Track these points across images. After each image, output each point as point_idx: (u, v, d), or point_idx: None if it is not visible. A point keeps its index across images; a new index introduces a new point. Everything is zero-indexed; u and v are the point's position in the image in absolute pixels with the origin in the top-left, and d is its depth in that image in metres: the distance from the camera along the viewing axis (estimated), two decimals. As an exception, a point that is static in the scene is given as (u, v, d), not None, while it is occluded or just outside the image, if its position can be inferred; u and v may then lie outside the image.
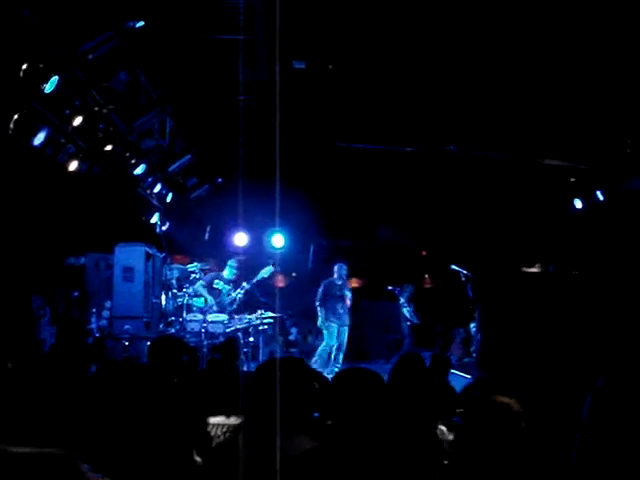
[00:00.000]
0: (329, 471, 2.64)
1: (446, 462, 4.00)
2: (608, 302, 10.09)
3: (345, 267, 13.11)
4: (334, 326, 12.84)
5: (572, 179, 13.95)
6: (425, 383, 4.27)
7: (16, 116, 8.77)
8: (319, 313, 12.89)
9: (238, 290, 12.57)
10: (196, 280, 12.92)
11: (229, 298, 12.52)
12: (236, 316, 12.38)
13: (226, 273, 12.88)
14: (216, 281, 12.66)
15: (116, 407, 3.71)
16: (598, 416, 2.34)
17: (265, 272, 12.63)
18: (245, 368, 10.73)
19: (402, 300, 15.52)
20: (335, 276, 13.13)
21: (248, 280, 12.65)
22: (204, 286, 12.64)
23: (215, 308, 12.40)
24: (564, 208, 14.75)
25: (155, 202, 14.55)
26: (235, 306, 12.56)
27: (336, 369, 12.06)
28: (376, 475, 2.67)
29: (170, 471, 3.41)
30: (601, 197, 13.78)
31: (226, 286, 12.64)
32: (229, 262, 13.09)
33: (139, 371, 5.09)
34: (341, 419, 2.76)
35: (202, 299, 12.74)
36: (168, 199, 14.77)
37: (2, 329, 9.45)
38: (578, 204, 14.52)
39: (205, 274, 13.34)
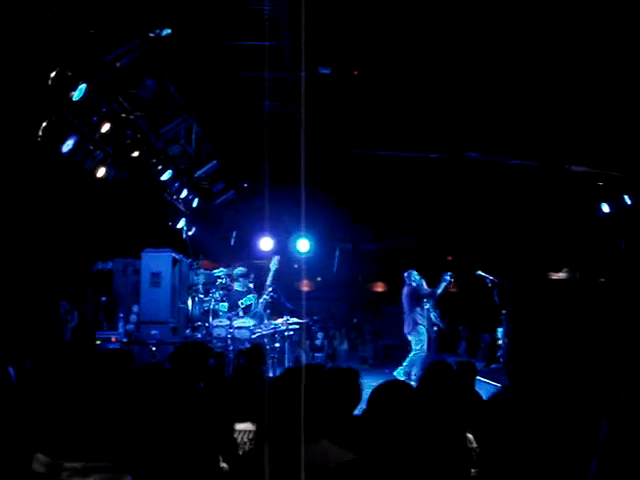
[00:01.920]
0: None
1: (474, 470, 3.99)
2: (635, 309, 9.98)
3: (414, 273, 12.94)
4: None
5: (600, 183, 13.82)
6: (453, 391, 4.25)
7: (45, 123, 8.89)
8: (418, 321, 12.63)
9: (264, 297, 12.52)
10: (224, 286, 12.89)
11: (260, 305, 12.45)
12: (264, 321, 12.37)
13: (237, 285, 12.63)
14: (240, 302, 12.46)
15: (142, 413, 3.73)
16: (618, 432, 2.29)
17: (274, 264, 12.51)
18: (271, 374, 10.75)
19: (428, 305, 15.43)
20: (409, 282, 12.93)
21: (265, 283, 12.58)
22: (238, 316, 12.35)
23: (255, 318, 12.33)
24: (591, 212, 14.63)
25: (181, 207, 14.65)
26: (268, 311, 12.50)
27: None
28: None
29: (197, 478, 3.43)
30: (629, 201, 13.64)
31: (250, 297, 12.58)
32: (235, 272, 12.69)
33: (166, 377, 5.11)
34: (377, 434, 2.77)
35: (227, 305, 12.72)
36: (194, 204, 14.86)
37: (30, 334, 9.55)
38: (605, 208, 14.38)
39: (231, 280, 13.30)
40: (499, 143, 12.90)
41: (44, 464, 2.06)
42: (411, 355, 12.45)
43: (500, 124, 12.12)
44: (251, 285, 12.74)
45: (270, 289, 12.62)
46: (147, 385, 4.53)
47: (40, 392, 2.49)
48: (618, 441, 2.28)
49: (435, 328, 15.28)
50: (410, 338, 12.53)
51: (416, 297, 12.56)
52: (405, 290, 12.81)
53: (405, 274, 12.89)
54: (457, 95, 11.38)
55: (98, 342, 11.29)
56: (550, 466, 3.16)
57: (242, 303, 12.41)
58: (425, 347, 12.45)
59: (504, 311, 12.15)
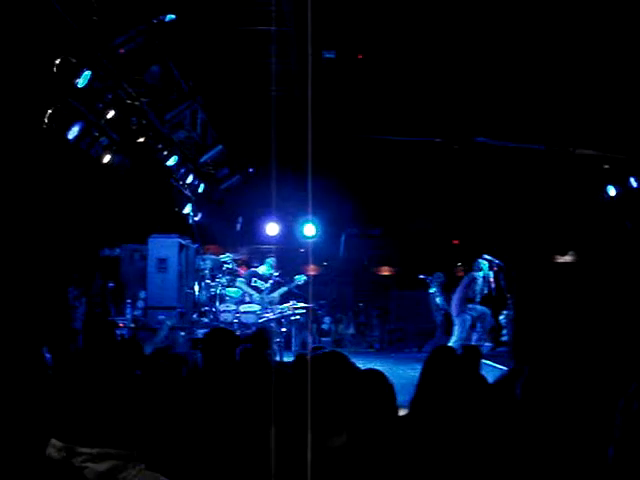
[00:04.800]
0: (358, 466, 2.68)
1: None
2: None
3: (483, 263, 13.00)
4: None
5: (605, 166, 13.78)
6: (458, 375, 4.27)
7: (50, 111, 8.91)
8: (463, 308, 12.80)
9: (278, 291, 12.68)
10: (231, 271, 13.05)
11: (269, 297, 12.59)
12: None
13: (263, 269, 12.92)
14: (254, 279, 12.71)
15: (157, 399, 3.76)
16: (631, 421, 2.30)
17: (298, 280, 12.71)
18: (278, 358, 10.82)
19: (434, 289, 15.47)
20: (477, 268, 13.05)
21: (282, 277, 12.76)
22: (245, 283, 12.72)
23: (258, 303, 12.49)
24: (597, 195, 14.59)
25: (187, 193, 14.67)
26: (273, 306, 12.67)
27: None
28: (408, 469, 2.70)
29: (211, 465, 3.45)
30: (635, 184, 13.61)
31: (265, 284, 12.71)
32: (268, 260, 13.14)
33: (178, 361, 5.15)
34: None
35: (237, 290, 12.86)
36: (200, 190, 14.88)
37: (40, 320, 9.61)
38: (611, 191, 14.35)
39: (238, 265, 13.44)
40: (504, 127, 12.88)
41: (58, 449, 2.09)
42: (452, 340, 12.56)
43: (505, 108, 12.08)
44: (273, 272, 12.96)
45: (277, 275, 12.75)
46: (160, 371, 4.57)
47: (55, 378, 2.52)
48: (631, 432, 2.29)
49: (442, 312, 15.35)
50: (456, 322, 12.74)
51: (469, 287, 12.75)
52: (466, 277, 12.97)
53: (475, 263, 13.01)
54: (463, 79, 11.35)
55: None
56: (558, 453, 3.18)
57: (255, 281, 12.61)
58: (463, 336, 12.56)
59: (510, 294, 12.17)
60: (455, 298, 12.95)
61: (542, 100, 11.52)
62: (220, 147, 13.84)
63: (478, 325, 13.27)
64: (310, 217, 15.33)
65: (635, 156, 13.00)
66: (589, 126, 12.22)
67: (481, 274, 12.84)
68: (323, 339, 16.63)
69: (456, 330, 12.66)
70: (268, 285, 12.74)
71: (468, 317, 12.66)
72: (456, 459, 2.96)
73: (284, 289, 12.69)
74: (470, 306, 12.72)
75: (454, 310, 12.90)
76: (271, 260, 13.08)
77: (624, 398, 2.37)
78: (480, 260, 12.98)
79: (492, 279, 12.88)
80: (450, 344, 12.14)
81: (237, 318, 11.98)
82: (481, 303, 13.05)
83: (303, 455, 2.77)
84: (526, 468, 2.64)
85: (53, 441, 2.12)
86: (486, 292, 12.89)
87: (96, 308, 13.11)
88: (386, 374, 3.57)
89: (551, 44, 9.84)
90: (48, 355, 3.84)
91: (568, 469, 2.63)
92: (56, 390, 2.22)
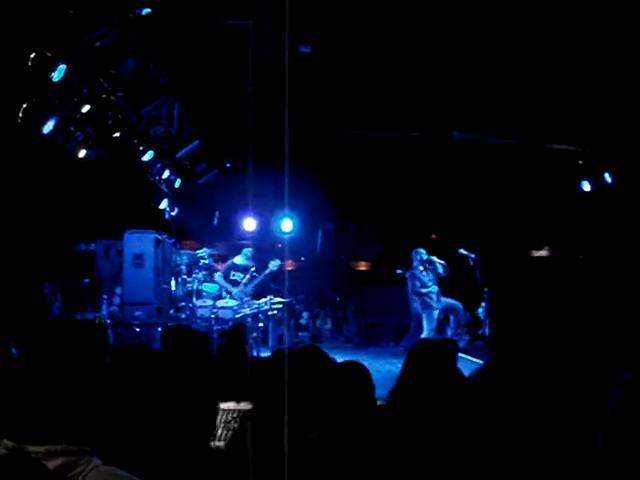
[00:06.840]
0: (334, 459, 2.69)
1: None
2: (615, 285, 10.10)
3: (422, 251, 13.01)
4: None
5: (580, 161, 13.91)
6: (435, 368, 4.29)
7: (25, 105, 8.82)
8: (427, 301, 12.78)
9: (254, 281, 12.64)
10: (208, 267, 13.02)
11: (247, 289, 12.57)
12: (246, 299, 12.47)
13: (239, 259, 12.89)
14: (232, 272, 12.70)
15: (129, 395, 3.73)
16: (626, 412, 2.31)
17: (274, 265, 12.68)
18: (255, 353, 10.82)
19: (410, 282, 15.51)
20: (415, 263, 13.05)
21: (258, 270, 12.71)
22: (223, 277, 12.70)
23: (237, 298, 12.46)
24: (572, 190, 14.73)
25: (164, 188, 14.60)
26: (248, 298, 12.65)
27: None
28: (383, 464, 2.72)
29: (182, 458, 3.44)
30: (609, 179, 13.74)
31: (242, 275, 12.69)
32: (244, 250, 13.10)
33: (152, 357, 5.15)
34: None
35: (214, 285, 12.84)
36: (176, 185, 14.82)
37: (15, 315, 9.53)
38: (586, 186, 14.48)
39: (215, 260, 13.42)
40: (480, 122, 12.94)
41: (9, 449, 2.06)
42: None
43: (481, 103, 12.14)
44: (249, 263, 12.92)
45: (253, 269, 12.72)
46: (125, 366, 4.55)
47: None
48: (625, 420, 2.31)
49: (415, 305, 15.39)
50: (422, 317, 12.73)
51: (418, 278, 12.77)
52: (410, 270, 12.96)
53: (413, 252, 13.01)
54: (440, 74, 11.38)
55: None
56: (537, 446, 3.21)
57: (233, 274, 12.59)
58: (432, 327, 12.57)
59: (486, 289, 12.25)
60: (416, 294, 12.99)
61: (518, 95, 11.58)
62: (197, 142, 13.77)
63: (451, 319, 13.33)
64: (287, 212, 15.31)
65: (610, 152, 13.13)
66: (564, 121, 12.31)
67: (421, 267, 12.87)
68: (301, 334, 16.66)
69: (424, 323, 12.69)
70: (245, 280, 12.71)
71: (429, 309, 12.69)
72: (432, 451, 2.98)
73: (260, 278, 12.67)
74: (432, 296, 12.74)
75: (416, 305, 12.95)
76: (247, 251, 13.03)
77: (616, 387, 2.39)
78: (419, 250, 13.00)
79: (436, 259, 12.90)
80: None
81: (214, 313, 11.96)
82: (456, 297, 13.10)
83: (280, 449, 2.77)
84: (504, 461, 2.66)
85: (5, 441, 2.09)
86: (442, 274, 12.86)
87: (71, 304, 13.04)
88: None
89: (528, 40, 9.88)
90: (14, 351, 3.78)
91: (548, 461, 2.65)
92: (15, 386, 2.18)
